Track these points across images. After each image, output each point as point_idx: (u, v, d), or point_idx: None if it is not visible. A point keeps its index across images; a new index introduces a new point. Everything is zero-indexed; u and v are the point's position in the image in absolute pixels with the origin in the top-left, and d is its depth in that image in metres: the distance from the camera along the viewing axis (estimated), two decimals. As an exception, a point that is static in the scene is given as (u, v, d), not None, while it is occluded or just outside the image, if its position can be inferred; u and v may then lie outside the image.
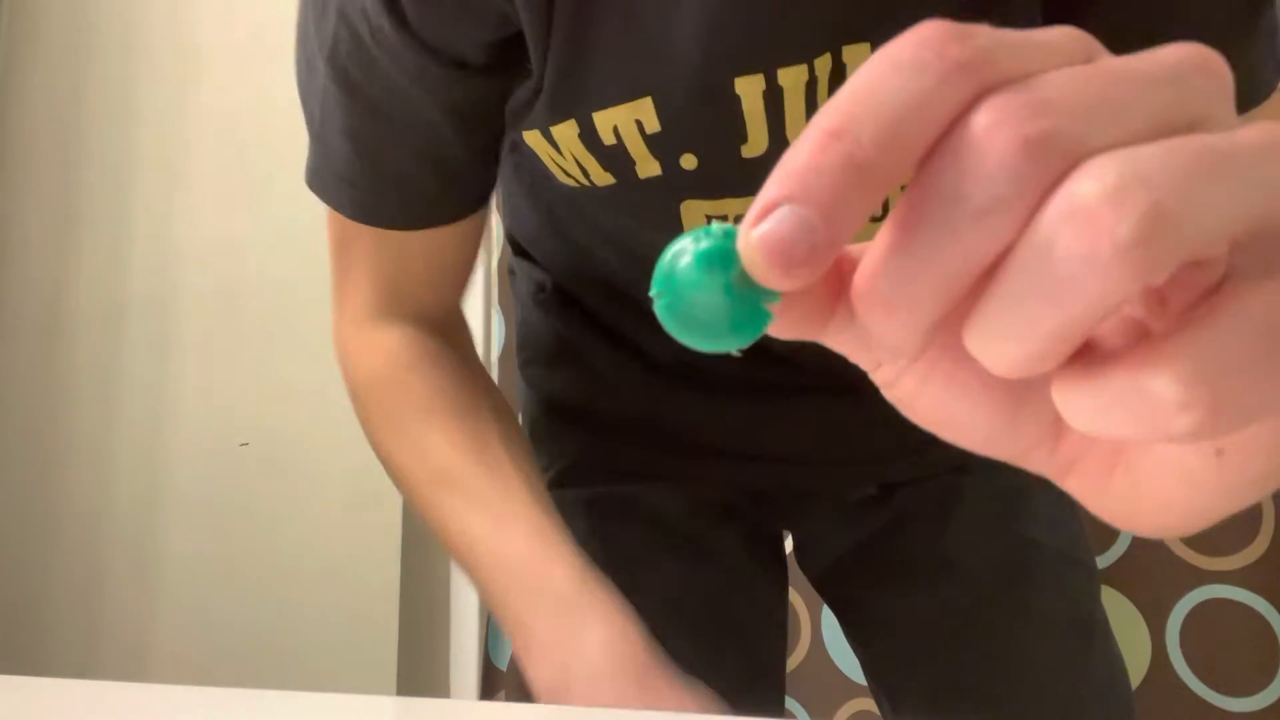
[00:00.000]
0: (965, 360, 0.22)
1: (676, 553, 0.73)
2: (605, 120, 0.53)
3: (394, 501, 1.45)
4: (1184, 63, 0.20)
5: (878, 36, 0.49)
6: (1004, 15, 0.49)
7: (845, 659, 1.33)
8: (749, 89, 0.51)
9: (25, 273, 1.68)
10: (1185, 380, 0.18)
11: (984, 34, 0.19)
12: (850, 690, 1.33)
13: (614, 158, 0.54)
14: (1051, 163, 0.18)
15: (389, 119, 0.56)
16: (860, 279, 0.20)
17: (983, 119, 0.18)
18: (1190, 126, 0.19)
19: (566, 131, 0.54)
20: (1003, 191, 0.18)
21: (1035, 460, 0.24)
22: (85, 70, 1.70)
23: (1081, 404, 0.19)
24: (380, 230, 0.61)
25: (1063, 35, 0.20)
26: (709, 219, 0.57)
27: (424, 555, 1.49)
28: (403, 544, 1.45)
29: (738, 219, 0.59)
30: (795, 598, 1.38)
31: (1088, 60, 0.20)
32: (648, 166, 0.55)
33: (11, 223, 1.70)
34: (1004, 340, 0.19)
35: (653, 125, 0.53)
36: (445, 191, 0.60)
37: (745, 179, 0.55)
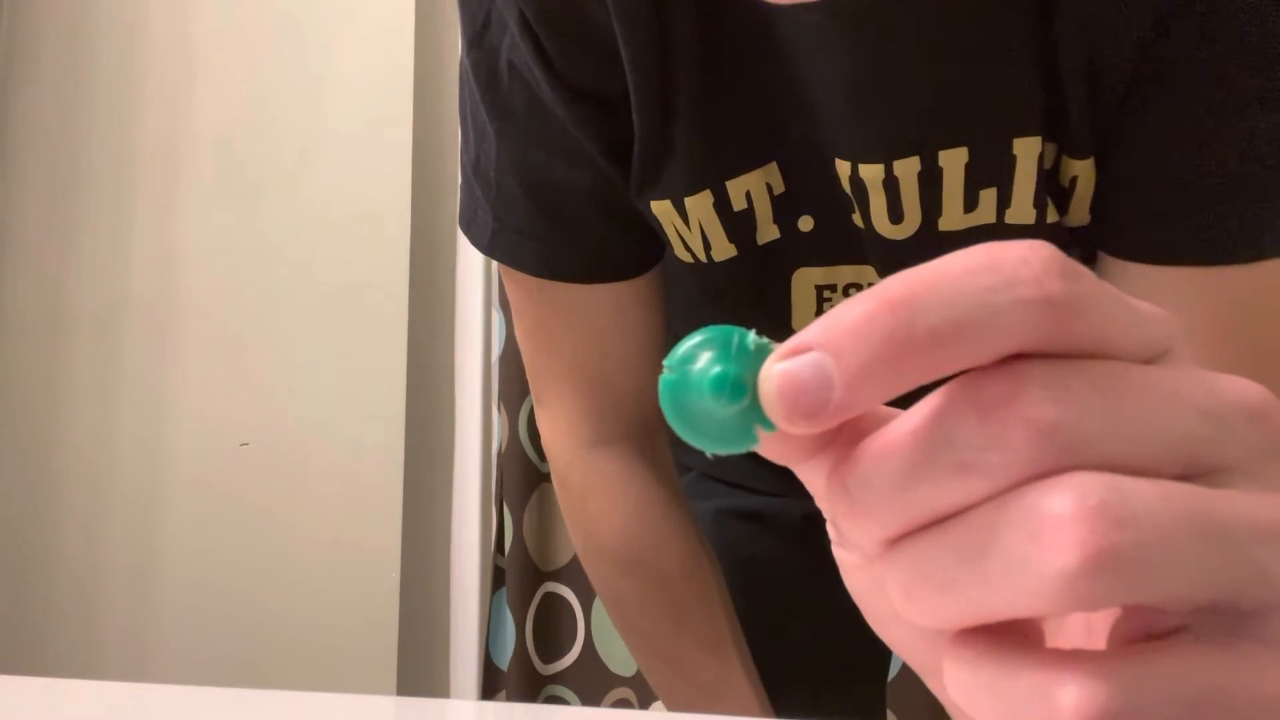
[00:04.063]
0: None
1: (798, 555, 0.76)
2: (738, 187, 0.54)
3: (394, 502, 1.45)
4: (1238, 406, 0.19)
5: (974, 143, 0.50)
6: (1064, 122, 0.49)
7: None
8: (860, 172, 0.52)
9: (25, 273, 1.68)
10: (1094, 701, 0.17)
11: (1089, 281, 0.18)
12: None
13: (740, 223, 0.55)
14: (1046, 453, 0.17)
15: (563, 166, 0.57)
16: (844, 467, 0.19)
17: (1005, 380, 0.18)
18: (1215, 469, 0.18)
19: (701, 202, 0.55)
20: (990, 459, 0.18)
21: (932, 683, 0.24)
22: (85, 70, 1.70)
23: (969, 679, 0.19)
24: (570, 308, 0.61)
25: (1154, 315, 0.20)
26: (819, 289, 0.58)
27: (424, 555, 1.49)
28: (403, 544, 1.45)
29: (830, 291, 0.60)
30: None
31: (1162, 350, 0.19)
32: (768, 230, 0.56)
33: (11, 223, 1.70)
34: (918, 580, 0.19)
35: (779, 186, 0.55)
36: (622, 240, 0.60)
37: (858, 245, 0.55)
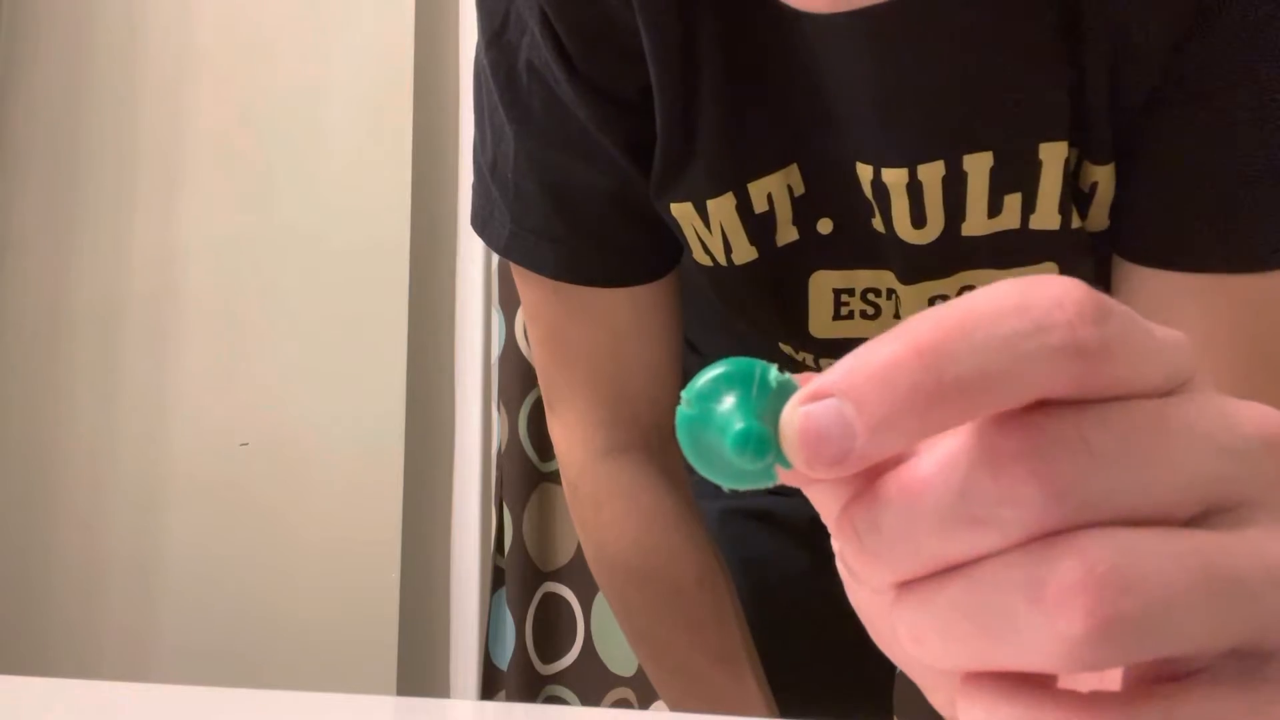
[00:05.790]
0: None
1: (805, 555, 0.76)
2: (760, 189, 0.54)
3: (394, 502, 1.45)
4: (1257, 437, 0.19)
5: (999, 148, 0.49)
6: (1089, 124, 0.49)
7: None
8: (882, 176, 0.51)
9: (25, 273, 1.68)
10: None
11: (1118, 321, 0.18)
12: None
13: (760, 225, 0.55)
14: (1059, 511, 0.17)
15: (582, 167, 0.56)
16: (856, 508, 0.19)
17: (1021, 434, 0.17)
18: (1234, 506, 0.18)
19: (724, 204, 0.54)
20: (1002, 515, 0.17)
21: (934, 699, 0.24)
22: (85, 70, 1.70)
23: (984, 718, 0.18)
24: (587, 312, 0.60)
25: (1176, 344, 0.19)
26: (837, 293, 0.58)
27: (424, 555, 1.49)
28: (403, 544, 1.45)
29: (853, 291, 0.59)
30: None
31: (1183, 379, 0.19)
32: (787, 232, 0.55)
33: (11, 223, 1.70)
34: (927, 629, 0.18)
35: (799, 188, 0.54)
36: (640, 243, 0.60)
37: (877, 249, 0.55)
